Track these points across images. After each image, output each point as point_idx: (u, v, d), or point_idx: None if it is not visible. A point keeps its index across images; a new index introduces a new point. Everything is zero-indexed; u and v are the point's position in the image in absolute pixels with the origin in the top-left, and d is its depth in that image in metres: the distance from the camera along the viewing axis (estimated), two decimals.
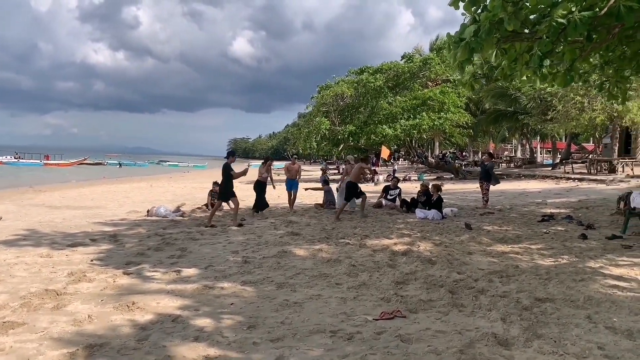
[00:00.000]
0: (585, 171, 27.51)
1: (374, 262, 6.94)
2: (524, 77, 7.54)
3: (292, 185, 14.64)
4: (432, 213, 11.90)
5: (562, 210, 13.13)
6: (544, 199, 16.33)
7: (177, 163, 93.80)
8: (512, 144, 61.59)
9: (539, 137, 44.80)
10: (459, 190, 21.53)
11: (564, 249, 7.96)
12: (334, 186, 15.58)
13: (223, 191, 11.73)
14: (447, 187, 24.90)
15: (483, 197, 13.91)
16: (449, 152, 50.06)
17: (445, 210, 12.42)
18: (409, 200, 13.67)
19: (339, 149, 32.01)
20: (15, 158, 64.49)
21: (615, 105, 22.37)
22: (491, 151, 17.65)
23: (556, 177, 24.81)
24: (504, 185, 22.81)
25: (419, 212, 12.16)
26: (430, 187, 12.79)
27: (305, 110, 31.63)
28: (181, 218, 12.82)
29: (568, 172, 26.80)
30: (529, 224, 10.89)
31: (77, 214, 14.10)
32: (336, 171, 35.49)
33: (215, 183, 14.91)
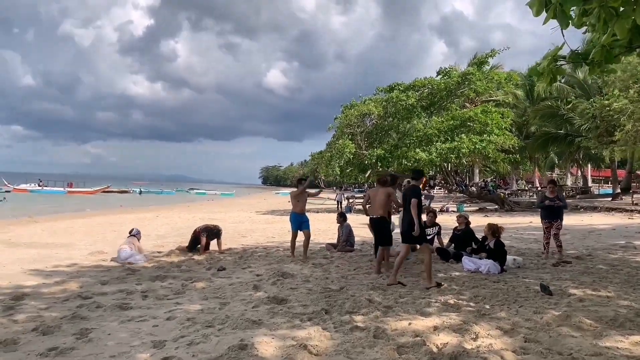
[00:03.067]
0: None
1: None
2: None
3: (298, 221, 10.46)
4: (487, 264, 8.37)
5: None
6: (627, 240, 12.56)
7: (204, 191, 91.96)
8: (555, 172, 56.93)
9: (589, 164, 40.44)
10: (510, 224, 17.78)
11: None
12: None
13: (407, 230, 7.44)
14: (494, 220, 21.19)
15: (547, 243, 10.14)
16: (490, 180, 45.94)
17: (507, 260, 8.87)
18: (446, 248, 10.24)
19: (366, 175, 28.57)
20: (39, 186, 63.42)
21: None
22: (553, 179, 13.79)
23: (625, 210, 20.79)
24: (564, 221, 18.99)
25: (468, 262, 8.65)
26: (485, 228, 9.12)
27: (327, 132, 28.49)
28: (145, 264, 9.65)
29: (637, 204, 22.72)
30: (634, 283, 7.27)
31: (27, 255, 11.10)
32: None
33: (207, 228, 11.51)
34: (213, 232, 11.27)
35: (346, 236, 11.50)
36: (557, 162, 40.13)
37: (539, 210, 10.26)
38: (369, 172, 27.86)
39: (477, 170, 43.60)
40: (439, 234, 11.18)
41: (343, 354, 4.31)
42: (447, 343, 4.50)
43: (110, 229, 18.35)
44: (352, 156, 25.67)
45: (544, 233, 10.09)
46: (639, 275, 7.91)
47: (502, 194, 31.30)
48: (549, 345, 4.44)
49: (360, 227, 16.96)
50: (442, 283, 7.31)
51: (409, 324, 5.14)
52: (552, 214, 9.88)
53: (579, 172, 40.09)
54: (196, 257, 10.47)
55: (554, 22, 4.09)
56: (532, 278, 7.77)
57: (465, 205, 31.15)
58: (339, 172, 26.11)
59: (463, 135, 25.27)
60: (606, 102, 20.43)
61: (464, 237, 10.01)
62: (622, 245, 11.72)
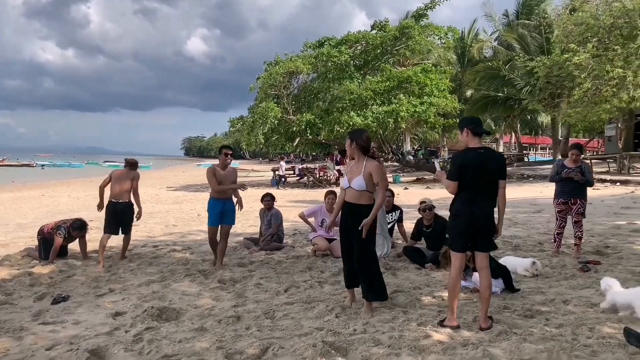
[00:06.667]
0: (606, 169, 21.80)
1: None
2: None
3: (221, 210, 6.72)
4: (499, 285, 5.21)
5: None
6: (627, 220, 10.10)
7: (118, 163, 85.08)
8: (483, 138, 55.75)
9: (524, 130, 39.33)
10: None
11: None
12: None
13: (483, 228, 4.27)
14: (435, 193, 18.63)
15: (559, 233, 7.15)
16: (421, 149, 43.90)
17: (513, 263, 5.86)
18: (415, 246, 7.11)
19: (294, 143, 25.11)
20: None
21: None
22: (579, 143, 10.16)
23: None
24: (516, 192, 16.65)
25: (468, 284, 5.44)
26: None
27: (248, 94, 24.59)
28: None
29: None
30: None
31: None
32: (292, 173, 28.54)
33: (62, 225, 7.49)
34: (72, 229, 7.47)
35: (275, 228, 8.10)
36: (493, 127, 38.58)
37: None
38: (297, 140, 24.44)
39: (408, 138, 41.30)
40: (400, 220, 8.07)
41: None
42: None
43: None
44: (277, 122, 22.07)
45: (557, 219, 7.15)
46: None
47: (441, 163, 29.01)
48: None
49: (291, 207, 13.66)
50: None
51: None
52: (571, 190, 6.95)
53: (512, 139, 38.78)
54: (37, 269, 6.72)
55: None
56: (577, 302, 4.77)
57: (400, 175, 28.64)
58: (263, 141, 22.49)
59: (402, 96, 22.36)
60: (565, 55, 18.11)
61: (441, 232, 6.72)
62: (630, 229, 9.13)
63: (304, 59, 23.73)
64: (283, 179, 25.68)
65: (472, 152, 4.20)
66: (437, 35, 24.75)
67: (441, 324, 4.20)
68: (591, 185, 7.08)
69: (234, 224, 6.87)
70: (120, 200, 7.21)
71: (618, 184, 16.64)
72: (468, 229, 4.15)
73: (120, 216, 7.21)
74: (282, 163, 27.22)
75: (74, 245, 7.67)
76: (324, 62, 23.60)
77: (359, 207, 4.62)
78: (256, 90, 24.16)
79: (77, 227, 7.43)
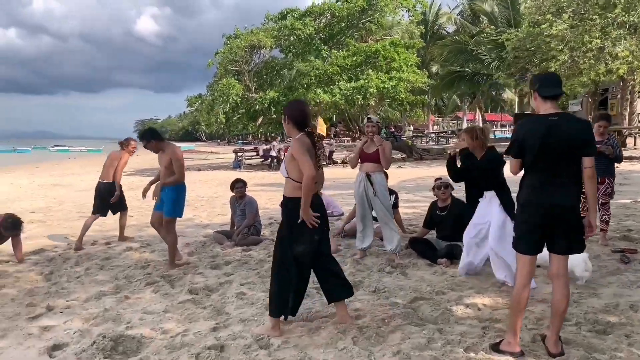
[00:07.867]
0: None
1: None
2: None
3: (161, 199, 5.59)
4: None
5: None
6: (631, 199, 9.41)
7: (67, 148, 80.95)
8: (442, 116, 55.87)
9: (489, 107, 39.10)
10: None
11: None
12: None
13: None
14: (411, 172, 17.85)
15: (600, 213, 6.12)
16: (382, 127, 43.11)
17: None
18: (424, 238, 6.06)
19: (257, 123, 23.74)
20: None
21: None
22: (607, 113, 9.24)
23: None
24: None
25: (500, 266, 4.48)
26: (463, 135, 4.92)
27: (207, 69, 22.96)
28: None
29: None
30: None
31: None
32: (254, 154, 27.11)
33: None
34: (3, 229, 6.08)
35: (251, 218, 6.90)
36: (459, 104, 38.06)
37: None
38: (260, 119, 23.08)
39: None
40: (395, 206, 7.01)
41: None
42: None
43: None
44: (239, 100, 20.64)
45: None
46: None
47: (409, 141, 28.26)
48: None
49: (260, 191, 12.45)
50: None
51: None
52: (599, 168, 5.96)
53: (476, 116, 38.49)
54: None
55: None
56: None
57: None
58: (224, 120, 21.02)
59: (370, 71, 21.32)
60: (543, 26, 17.39)
61: (456, 218, 5.72)
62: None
63: (266, 32, 22.30)
64: (276, 160, 23.74)
65: (540, 119, 3.12)
66: (405, 7, 23.72)
67: (496, 348, 3.18)
68: (620, 161, 6.14)
69: (166, 214, 5.53)
70: (105, 181, 7.23)
71: None
72: (537, 224, 3.10)
73: (104, 196, 7.19)
74: (275, 143, 25.05)
75: (6, 246, 6.29)
76: (287, 36, 22.26)
77: (285, 200, 3.64)
78: (215, 66, 22.59)
79: (10, 227, 6.04)
